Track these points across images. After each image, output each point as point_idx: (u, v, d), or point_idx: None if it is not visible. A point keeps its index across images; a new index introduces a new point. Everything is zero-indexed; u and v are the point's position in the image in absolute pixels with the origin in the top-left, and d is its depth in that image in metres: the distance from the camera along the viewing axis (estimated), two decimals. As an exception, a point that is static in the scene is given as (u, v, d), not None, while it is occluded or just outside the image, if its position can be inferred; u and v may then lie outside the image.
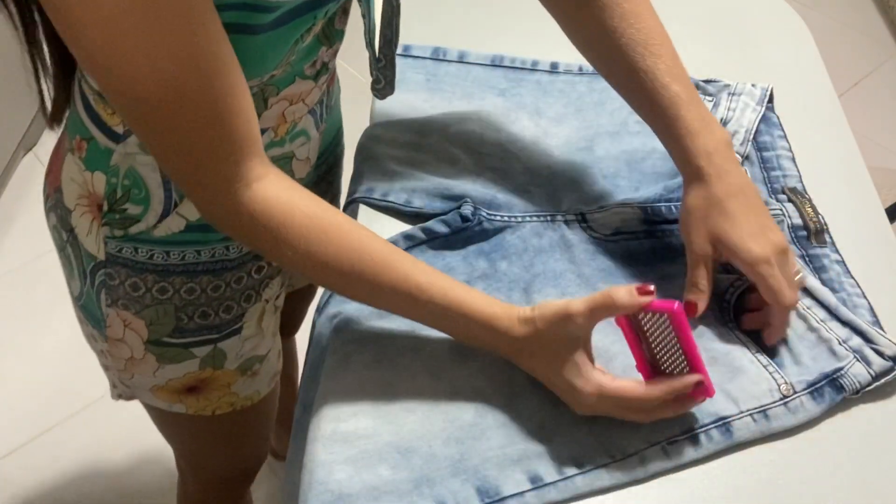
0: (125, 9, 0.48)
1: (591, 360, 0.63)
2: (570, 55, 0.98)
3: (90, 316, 0.77)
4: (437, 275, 0.63)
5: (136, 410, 0.92)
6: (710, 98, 0.90)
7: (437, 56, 0.97)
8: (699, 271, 0.68)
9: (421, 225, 0.77)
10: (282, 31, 0.59)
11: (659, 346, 0.62)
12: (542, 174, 0.84)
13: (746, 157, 0.84)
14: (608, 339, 0.68)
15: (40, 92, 0.69)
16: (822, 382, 0.67)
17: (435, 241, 0.76)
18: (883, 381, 0.67)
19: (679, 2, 1.05)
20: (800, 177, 0.83)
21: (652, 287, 0.59)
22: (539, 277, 0.74)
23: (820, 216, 0.78)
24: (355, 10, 0.72)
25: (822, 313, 0.71)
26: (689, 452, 0.63)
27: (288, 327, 1.22)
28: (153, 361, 0.77)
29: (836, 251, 0.77)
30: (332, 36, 0.69)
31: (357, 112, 0.91)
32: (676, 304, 0.59)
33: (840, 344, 0.68)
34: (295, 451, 0.70)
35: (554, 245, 0.77)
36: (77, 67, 0.68)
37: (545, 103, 0.93)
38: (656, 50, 0.70)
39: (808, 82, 0.98)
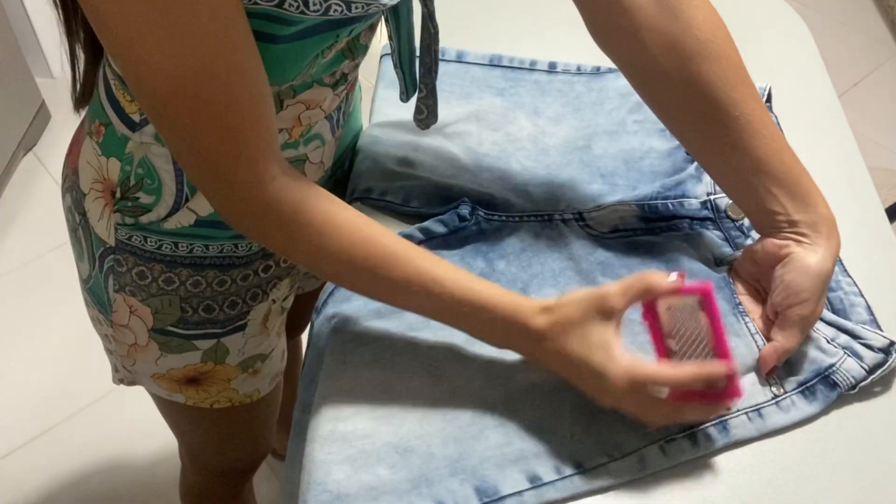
0: (150, 14, 0.49)
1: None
2: (568, 55, 0.98)
3: (97, 299, 0.77)
4: (453, 268, 0.62)
5: (136, 410, 0.92)
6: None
7: (436, 56, 0.97)
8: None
9: (418, 224, 0.77)
10: (302, 44, 0.59)
11: (683, 340, 0.62)
12: (540, 174, 0.84)
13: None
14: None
15: (74, 74, 0.70)
16: (815, 380, 0.67)
17: (432, 241, 0.76)
18: (878, 373, 0.67)
19: (678, 1, 1.05)
20: (799, 176, 0.83)
21: (684, 271, 0.59)
22: (537, 277, 0.74)
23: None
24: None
25: None
26: (687, 451, 0.63)
27: (293, 327, 1.22)
28: (156, 349, 0.77)
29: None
30: (356, 50, 0.68)
31: (356, 112, 0.91)
32: (709, 284, 0.59)
33: (829, 342, 0.68)
34: (294, 451, 0.70)
35: (552, 244, 0.77)
36: (104, 53, 0.69)
37: (543, 103, 0.93)
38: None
39: (808, 82, 0.98)
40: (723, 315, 0.66)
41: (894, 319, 0.72)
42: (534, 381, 0.66)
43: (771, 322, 0.68)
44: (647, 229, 0.78)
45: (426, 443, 0.63)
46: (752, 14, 1.07)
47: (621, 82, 0.92)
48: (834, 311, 0.73)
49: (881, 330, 0.71)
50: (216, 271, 0.73)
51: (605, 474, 0.62)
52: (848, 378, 0.66)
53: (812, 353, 0.68)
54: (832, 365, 0.67)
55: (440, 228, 0.76)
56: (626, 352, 0.60)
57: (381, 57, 0.98)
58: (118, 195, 0.69)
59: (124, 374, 0.84)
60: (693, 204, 0.79)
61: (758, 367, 0.68)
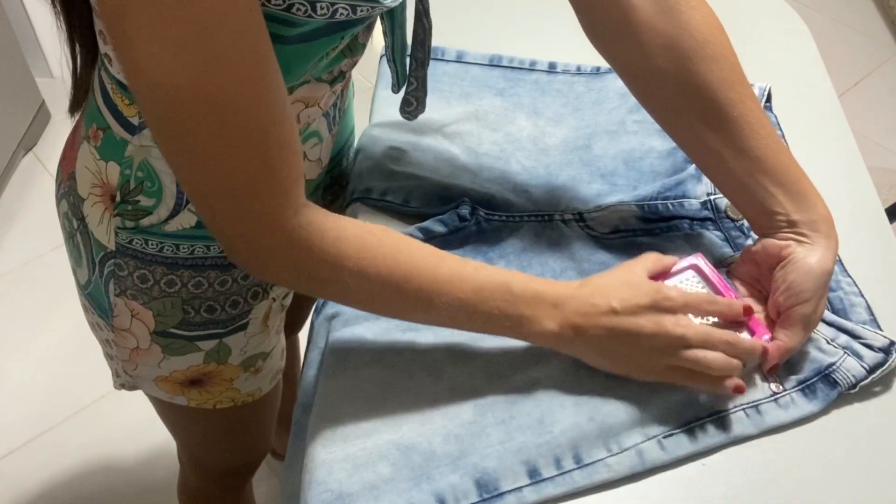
0: (177, 41, 0.47)
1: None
2: (567, 55, 0.98)
3: (97, 305, 0.77)
4: (473, 262, 0.64)
5: (135, 411, 0.92)
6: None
7: (435, 56, 0.97)
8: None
9: (418, 224, 0.77)
10: (307, 46, 0.59)
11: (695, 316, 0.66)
12: (540, 174, 0.84)
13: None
14: None
15: (74, 77, 0.70)
16: (815, 379, 0.67)
17: (432, 241, 0.76)
18: (878, 373, 0.67)
19: (678, 1, 1.05)
20: (799, 176, 0.83)
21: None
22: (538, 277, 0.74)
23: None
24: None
25: None
26: (686, 447, 0.63)
27: (291, 325, 1.22)
28: (158, 352, 0.77)
29: (835, 250, 0.77)
30: (356, 49, 0.68)
31: (357, 112, 0.91)
32: (699, 255, 0.66)
33: (828, 343, 0.69)
34: (294, 451, 0.70)
35: (552, 244, 0.77)
36: (99, 57, 0.68)
37: (543, 103, 0.93)
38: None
39: (808, 82, 0.98)
40: (721, 274, 0.70)
41: (894, 319, 0.72)
42: (535, 378, 0.66)
43: (773, 322, 0.68)
44: (648, 230, 0.78)
45: (427, 440, 0.63)
46: (752, 14, 1.08)
47: (621, 83, 0.92)
48: (834, 311, 0.73)
49: (881, 330, 0.71)
50: (218, 271, 0.73)
51: (604, 469, 0.62)
52: (848, 377, 0.66)
53: (812, 353, 0.68)
54: (832, 364, 0.67)
55: (440, 228, 0.76)
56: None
57: (381, 57, 0.98)
58: (118, 199, 0.68)
59: (125, 379, 0.84)
60: (693, 204, 0.79)
61: (758, 365, 0.68)
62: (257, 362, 0.83)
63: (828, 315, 0.70)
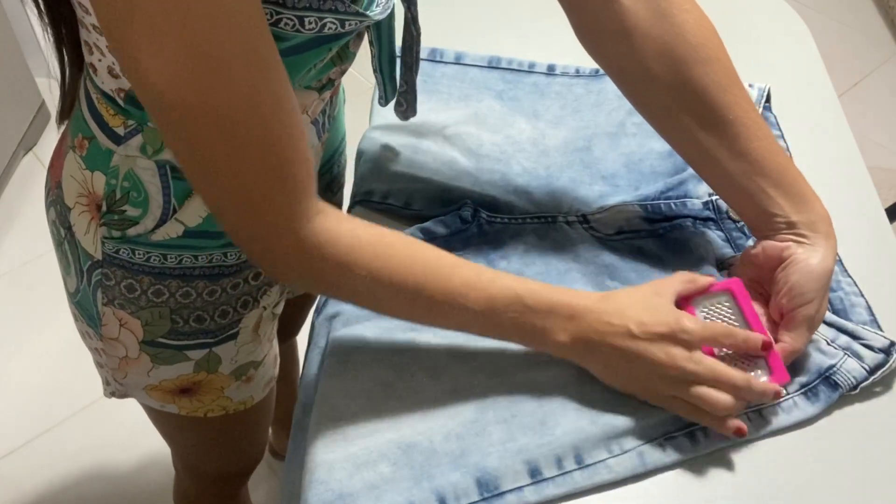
0: (189, 56, 0.47)
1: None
2: (566, 57, 0.98)
3: (85, 313, 0.77)
4: (498, 271, 0.64)
5: (135, 411, 0.92)
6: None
7: (434, 58, 0.97)
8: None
9: (419, 225, 0.77)
10: (296, 58, 0.59)
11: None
12: (542, 175, 0.84)
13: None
14: None
15: (62, 87, 0.70)
16: (816, 381, 0.67)
17: (434, 243, 0.76)
18: (879, 374, 0.67)
19: (678, 2, 1.05)
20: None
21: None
22: (541, 277, 0.74)
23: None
24: None
25: None
26: (687, 449, 0.63)
27: (287, 331, 1.22)
28: (147, 361, 0.77)
29: (835, 250, 0.77)
30: (346, 57, 0.68)
31: (357, 114, 0.91)
32: (738, 280, 0.64)
33: (829, 344, 0.69)
34: (295, 451, 0.70)
35: (557, 246, 0.77)
36: (84, 66, 0.67)
37: (542, 105, 0.93)
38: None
39: (808, 82, 0.98)
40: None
41: (894, 319, 0.73)
42: (536, 378, 0.66)
43: (775, 323, 0.68)
44: (652, 231, 0.78)
45: (428, 439, 0.63)
46: (752, 14, 1.08)
47: (621, 84, 0.92)
48: (834, 312, 0.73)
49: (881, 330, 0.71)
50: (206, 281, 0.73)
51: (605, 470, 0.62)
52: (849, 378, 0.66)
53: (813, 354, 0.68)
54: (833, 366, 0.67)
55: (441, 230, 0.76)
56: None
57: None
58: (104, 209, 0.68)
59: (116, 388, 0.83)
60: (696, 204, 0.79)
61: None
62: (249, 371, 0.83)
63: (828, 315, 0.70)
